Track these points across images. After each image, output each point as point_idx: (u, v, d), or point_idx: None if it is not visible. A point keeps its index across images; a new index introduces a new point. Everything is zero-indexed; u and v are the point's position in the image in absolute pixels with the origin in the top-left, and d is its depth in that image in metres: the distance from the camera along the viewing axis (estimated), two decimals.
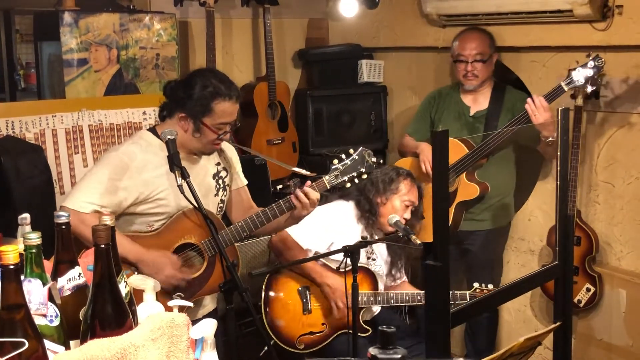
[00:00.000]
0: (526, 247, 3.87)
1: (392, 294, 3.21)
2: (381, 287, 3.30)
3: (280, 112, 4.26)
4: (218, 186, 2.72)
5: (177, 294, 2.40)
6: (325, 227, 3.21)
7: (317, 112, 4.41)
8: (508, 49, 3.79)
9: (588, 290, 3.45)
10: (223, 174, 2.75)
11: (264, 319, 3.14)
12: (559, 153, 2.45)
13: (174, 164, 2.33)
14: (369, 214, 3.26)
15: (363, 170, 2.64)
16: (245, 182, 2.91)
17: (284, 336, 3.16)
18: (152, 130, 2.61)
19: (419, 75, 4.41)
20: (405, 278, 3.46)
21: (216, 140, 2.56)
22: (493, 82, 3.72)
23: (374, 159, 2.66)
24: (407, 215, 3.25)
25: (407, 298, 3.18)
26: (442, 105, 3.79)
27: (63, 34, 3.34)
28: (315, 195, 2.60)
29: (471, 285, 3.21)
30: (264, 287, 3.17)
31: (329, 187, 2.65)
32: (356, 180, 2.66)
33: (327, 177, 2.62)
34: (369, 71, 4.50)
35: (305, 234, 3.15)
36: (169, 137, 2.41)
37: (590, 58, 3.17)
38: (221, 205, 2.75)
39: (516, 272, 3.86)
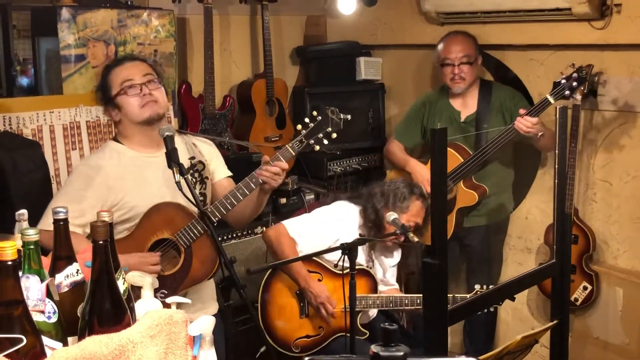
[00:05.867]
0: (523, 246, 3.88)
1: (392, 297, 3.14)
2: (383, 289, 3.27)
3: (278, 109, 4.25)
4: (194, 179, 2.72)
5: (161, 291, 2.37)
6: (324, 223, 3.16)
7: (315, 109, 4.38)
8: (506, 47, 3.79)
9: (585, 288, 3.45)
10: (199, 167, 2.75)
11: (260, 320, 3.10)
12: (556, 151, 2.45)
13: (172, 160, 2.31)
14: (372, 224, 3.17)
15: (330, 129, 2.59)
16: (228, 173, 2.88)
17: (280, 339, 3.12)
18: (115, 139, 2.70)
19: (417, 73, 4.40)
20: (396, 285, 3.40)
21: (140, 100, 2.56)
22: (479, 81, 3.72)
23: (340, 116, 2.59)
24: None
25: (407, 302, 3.12)
26: (432, 112, 3.78)
27: (61, 30, 3.33)
28: (280, 164, 2.58)
29: (471, 284, 3.19)
30: (261, 288, 3.13)
31: (294, 153, 2.60)
32: (325, 141, 2.60)
33: (289, 143, 2.60)
34: (367, 69, 4.49)
35: (300, 228, 3.11)
36: (167, 133, 2.39)
37: (574, 70, 3.18)
38: (201, 198, 2.73)
39: (513, 271, 3.86)
